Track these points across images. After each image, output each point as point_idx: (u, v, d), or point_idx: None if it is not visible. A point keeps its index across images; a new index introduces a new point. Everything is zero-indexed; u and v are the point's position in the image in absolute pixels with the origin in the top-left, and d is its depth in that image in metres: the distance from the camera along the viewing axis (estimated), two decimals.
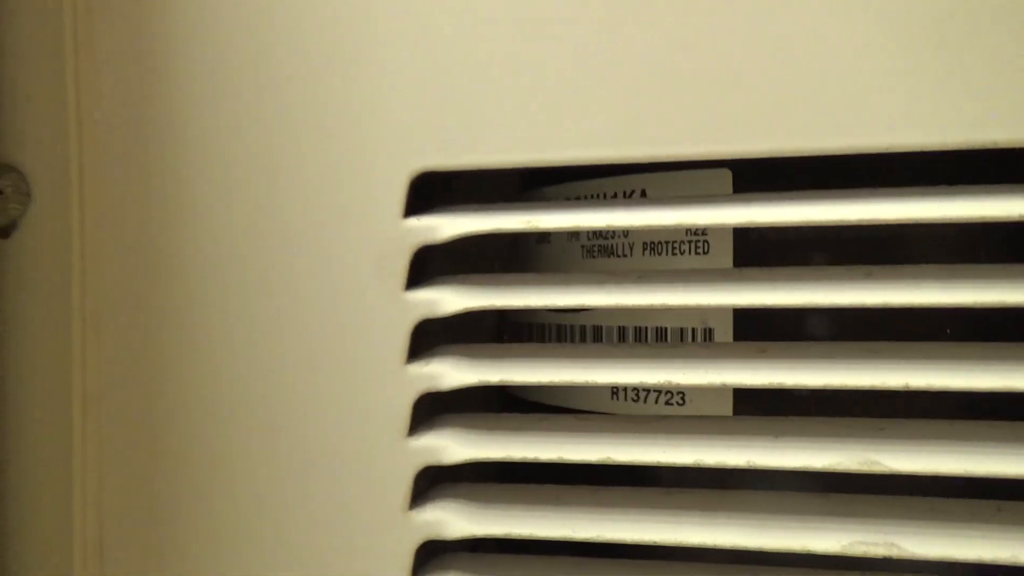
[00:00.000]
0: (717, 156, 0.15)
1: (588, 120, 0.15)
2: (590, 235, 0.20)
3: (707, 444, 0.15)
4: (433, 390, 0.16)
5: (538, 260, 0.22)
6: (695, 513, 0.15)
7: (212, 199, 0.17)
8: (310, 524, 0.17)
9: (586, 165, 0.15)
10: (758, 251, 0.18)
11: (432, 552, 0.17)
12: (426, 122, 0.16)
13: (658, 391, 0.19)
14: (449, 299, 0.16)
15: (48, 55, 0.17)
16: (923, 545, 0.14)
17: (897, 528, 0.14)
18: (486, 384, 0.16)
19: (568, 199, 0.21)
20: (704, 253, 0.18)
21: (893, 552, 0.14)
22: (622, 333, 0.19)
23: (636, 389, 0.19)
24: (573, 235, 0.21)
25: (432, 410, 0.17)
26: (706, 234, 0.18)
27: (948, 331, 0.16)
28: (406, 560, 0.16)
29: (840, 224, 0.15)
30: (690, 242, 0.18)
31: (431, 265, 0.17)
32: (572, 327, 0.21)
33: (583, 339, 0.20)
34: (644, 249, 0.19)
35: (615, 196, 0.20)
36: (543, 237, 0.22)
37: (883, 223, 0.14)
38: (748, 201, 0.15)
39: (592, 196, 0.20)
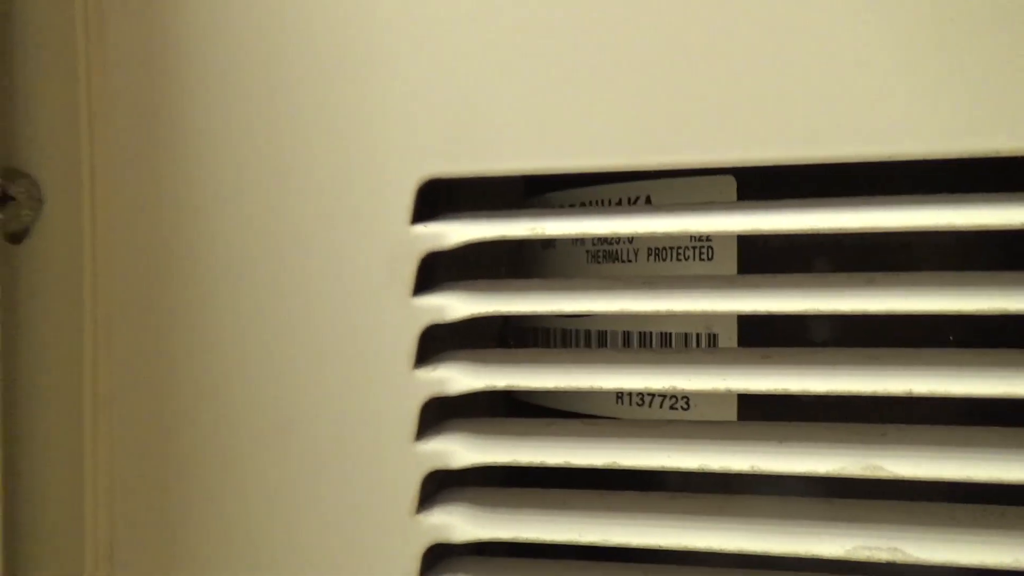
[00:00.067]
0: (722, 164, 0.15)
1: (594, 128, 0.15)
2: (595, 240, 0.20)
3: (712, 449, 0.15)
4: (441, 395, 0.16)
5: (543, 265, 0.22)
6: (700, 517, 0.15)
7: (222, 205, 0.17)
8: (318, 527, 0.17)
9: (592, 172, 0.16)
10: (762, 256, 0.18)
11: (439, 555, 0.17)
12: (434, 130, 0.16)
13: (663, 396, 0.19)
14: (456, 305, 0.16)
15: (60, 63, 0.17)
16: (927, 550, 0.14)
17: (901, 533, 0.14)
18: (493, 389, 0.16)
19: (573, 205, 0.21)
20: (708, 259, 0.18)
21: (897, 557, 0.14)
22: (627, 338, 0.20)
23: (641, 394, 0.19)
24: (578, 240, 0.21)
25: (439, 414, 0.17)
26: (710, 240, 0.18)
27: (951, 338, 0.16)
28: (414, 563, 0.16)
29: (843, 232, 0.15)
30: (694, 248, 0.19)
31: (438, 271, 0.17)
32: (577, 332, 0.21)
33: (588, 344, 0.20)
34: (649, 255, 0.19)
35: (620, 202, 0.20)
36: (548, 242, 0.22)
37: (886, 231, 0.15)
38: (752, 209, 0.15)
39: (597, 202, 0.20)
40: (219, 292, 0.17)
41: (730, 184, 0.18)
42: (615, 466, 0.16)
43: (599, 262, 0.20)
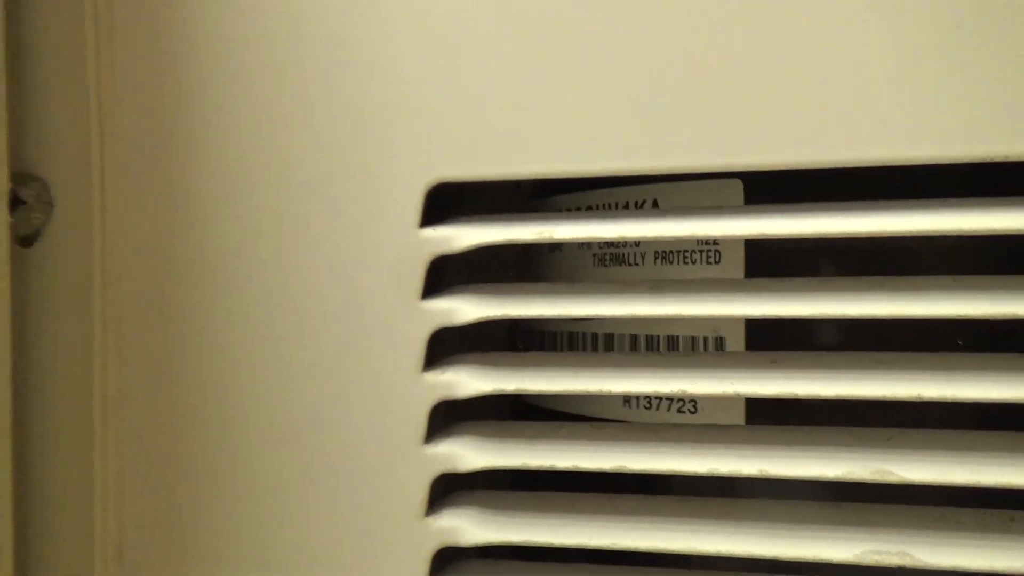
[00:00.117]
0: (729, 168, 0.15)
1: (603, 132, 0.15)
2: (602, 244, 0.20)
3: (721, 453, 0.15)
4: (449, 398, 0.16)
5: (550, 268, 0.22)
6: (709, 521, 0.15)
7: (231, 208, 0.17)
8: (327, 529, 0.17)
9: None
10: (769, 260, 0.18)
11: (448, 559, 0.17)
12: (442, 133, 0.16)
13: (670, 399, 0.19)
14: (465, 308, 0.16)
15: (69, 66, 0.17)
16: (936, 555, 0.14)
17: (910, 537, 0.14)
18: (502, 392, 0.16)
19: (579, 208, 0.21)
20: (716, 263, 0.18)
21: (906, 561, 0.14)
22: (634, 341, 0.20)
23: (649, 397, 0.19)
24: (585, 244, 0.21)
25: (446, 418, 0.17)
26: (717, 244, 0.18)
27: (959, 342, 0.16)
28: (422, 566, 0.16)
29: (851, 236, 0.15)
30: (701, 251, 0.19)
31: (446, 274, 0.17)
32: (584, 335, 0.21)
33: (595, 347, 0.20)
34: (656, 258, 0.19)
35: (627, 205, 0.20)
36: (555, 245, 0.22)
37: (893, 235, 0.15)
38: (760, 213, 0.15)
39: (604, 205, 0.20)
40: (228, 295, 0.17)
41: (737, 188, 0.18)
42: (624, 470, 0.16)
43: (606, 265, 0.20)
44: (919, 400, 0.14)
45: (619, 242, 0.20)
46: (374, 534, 0.17)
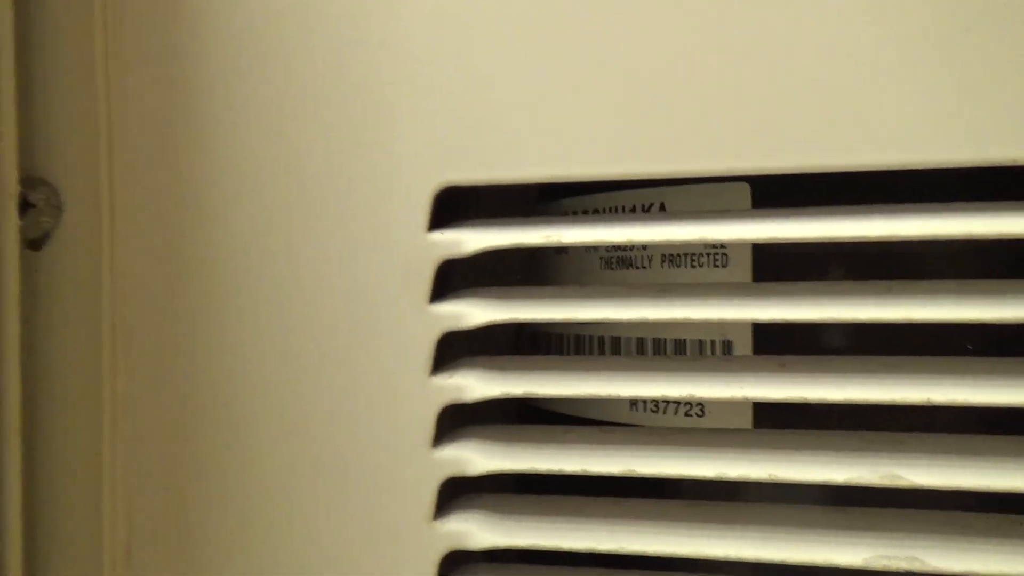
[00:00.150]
0: (737, 172, 0.15)
1: (610, 136, 0.15)
2: (609, 247, 0.20)
3: (729, 457, 0.15)
4: (457, 402, 0.16)
5: (556, 270, 0.22)
6: (717, 526, 0.15)
7: (240, 211, 0.17)
8: (336, 533, 0.17)
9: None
10: (776, 263, 0.18)
11: (456, 562, 0.17)
12: (450, 137, 0.16)
13: (678, 403, 0.19)
14: (473, 312, 0.16)
15: (78, 71, 0.17)
16: (945, 560, 0.14)
17: (919, 542, 0.14)
18: (510, 396, 0.16)
19: (586, 211, 0.21)
20: (723, 266, 0.18)
21: (915, 566, 0.14)
22: (641, 345, 0.20)
23: (656, 400, 0.19)
24: (591, 246, 0.21)
25: (453, 421, 0.17)
26: (725, 247, 0.18)
27: (969, 347, 0.16)
28: (431, 570, 0.16)
29: (859, 240, 0.15)
30: (708, 254, 0.19)
31: (453, 278, 0.17)
32: (591, 338, 0.21)
33: (601, 350, 0.20)
34: (663, 261, 0.19)
35: (633, 208, 0.20)
36: (561, 248, 0.22)
37: (902, 239, 0.14)
38: (768, 217, 0.15)
39: (610, 208, 0.20)
40: (236, 298, 0.17)
41: (744, 191, 0.18)
42: (632, 474, 0.16)
43: (612, 268, 0.20)
44: (928, 404, 0.14)
45: (626, 245, 0.20)
46: (383, 537, 0.17)
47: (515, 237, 0.16)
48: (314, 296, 0.17)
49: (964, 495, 0.15)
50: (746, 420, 0.18)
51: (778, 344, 0.18)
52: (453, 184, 0.16)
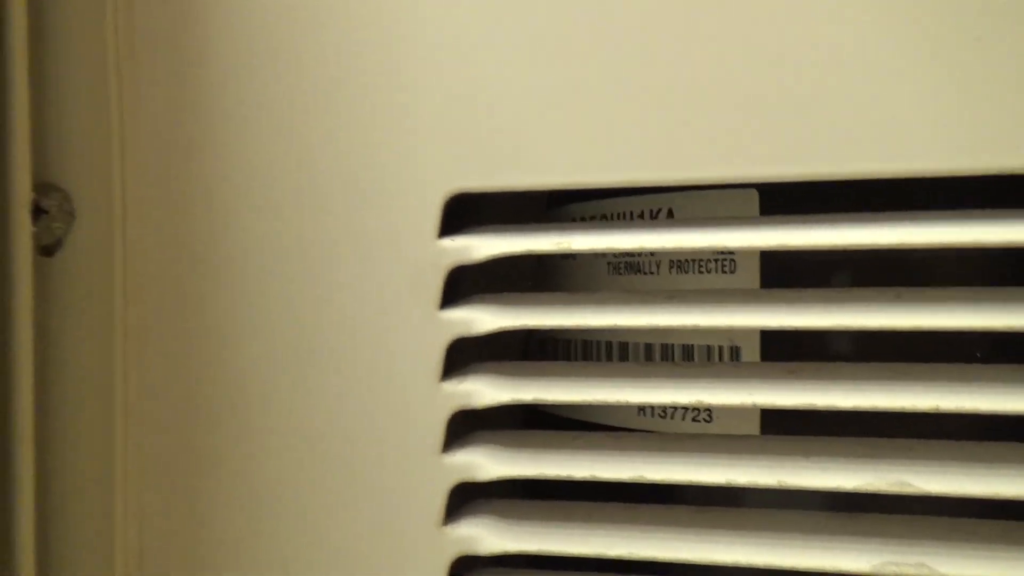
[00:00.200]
0: (746, 179, 0.15)
1: (620, 144, 0.15)
2: (617, 252, 0.20)
3: (738, 464, 0.15)
4: (467, 407, 0.16)
5: (564, 275, 0.22)
6: (726, 531, 0.15)
7: (251, 217, 0.17)
8: (346, 538, 0.17)
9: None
10: (784, 270, 0.18)
11: (465, 567, 0.17)
12: (461, 144, 0.16)
13: (685, 409, 0.19)
14: (483, 318, 0.16)
15: (90, 78, 0.18)
16: (954, 566, 0.14)
17: (928, 549, 0.14)
18: (519, 402, 0.16)
19: (594, 217, 0.21)
20: (731, 272, 0.18)
21: (924, 572, 0.14)
22: (649, 350, 0.20)
23: (664, 407, 0.19)
24: (600, 252, 0.21)
25: (462, 427, 0.17)
26: (733, 253, 0.18)
27: (978, 354, 0.16)
28: (441, 574, 0.16)
29: (868, 248, 0.15)
30: (716, 260, 0.19)
31: (463, 284, 0.17)
32: (599, 343, 0.21)
33: (609, 356, 0.20)
34: (671, 267, 0.19)
35: (642, 214, 0.20)
36: (570, 254, 0.22)
37: (911, 247, 0.15)
38: (776, 224, 0.15)
39: (619, 214, 0.20)
40: (248, 303, 0.17)
41: (752, 198, 0.18)
42: (642, 480, 0.16)
43: (620, 274, 0.21)
44: (937, 411, 0.14)
45: (634, 251, 0.20)
46: (393, 542, 0.17)
47: (525, 244, 0.16)
48: (324, 302, 0.17)
49: (972, 502, 0.15)
50: (754, 426, 0.18)
51: (786, 350, 0.18)
52: (464, 191, 0.16)
